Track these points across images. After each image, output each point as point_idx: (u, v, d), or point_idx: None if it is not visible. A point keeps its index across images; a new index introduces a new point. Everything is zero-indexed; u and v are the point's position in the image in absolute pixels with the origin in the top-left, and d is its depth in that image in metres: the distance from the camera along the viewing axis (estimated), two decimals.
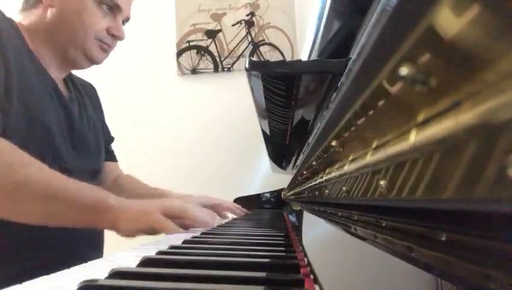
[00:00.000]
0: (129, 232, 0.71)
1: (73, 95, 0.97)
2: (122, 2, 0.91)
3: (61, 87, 0.92)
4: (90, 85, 1.11)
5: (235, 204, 1.26)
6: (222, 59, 1.83)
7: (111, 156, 1.14)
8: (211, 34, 1.84)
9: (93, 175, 0.96)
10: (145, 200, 0.78)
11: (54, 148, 0.82)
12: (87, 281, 0.30)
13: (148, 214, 0.71)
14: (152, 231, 0.72)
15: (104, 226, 0.73)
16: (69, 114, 0.90)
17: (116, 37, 0.92)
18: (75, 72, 1.02)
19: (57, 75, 0.91)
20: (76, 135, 0.91)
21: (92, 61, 0.92)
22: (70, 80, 0.99)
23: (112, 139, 1.15)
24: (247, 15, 1.83)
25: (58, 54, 0.90)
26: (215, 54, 1.83)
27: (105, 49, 0.93)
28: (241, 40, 1.83)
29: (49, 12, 0.87)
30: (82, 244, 0.90)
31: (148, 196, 1.07)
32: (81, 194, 0.71)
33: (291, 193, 0.91)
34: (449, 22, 0.10)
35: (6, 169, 0.66)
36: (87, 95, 1.05)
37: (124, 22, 0.96)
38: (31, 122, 0.78)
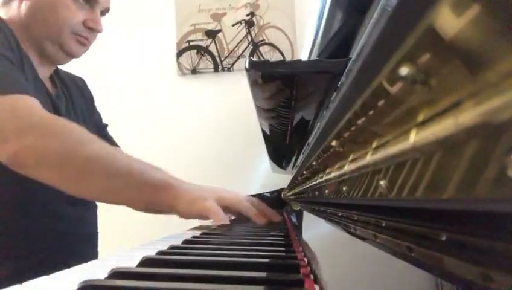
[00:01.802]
0: (185, 215, 0.73)
1: (59, 92, 0.95)
2: None
3: (47, 84, 0.91)
4: (80, 78, 1.09)
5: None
6: (222, 59, 1.83)
7: (109, 142, 1.10)
8: (211, 34, 1.84)
9: None
10: (203, 186, 0.80)
11: None
12: (87, 281, 0.30)
13: (205, 200, 0.73)
14: (203, 217, 0.74)
15: (163, 205, 0.74)
16: (57, 111, 0.88)
17: (94, 29, 0.89)
18: (65, 67, 1.01)
19: (42, 73, 0.90)
20: None
21: (70, 55, 0.90)
22: (56, 76, 0.97)
23: (105, 125, 1.13)
24: (247, 15, 1.83)
25: (36, 49, 0.88)
26: (215, 54, 1.83)
27: (83, 43, 0.89)
28: (241, 40, 1.83)
29: (23, 6, 0.85)
30: (78, 243, 0.90)
31: None
32: (144, 172, 0.73)
33: (291, 193, 0.91)
34: (449, 22, 0.10)
35: (77, 144, 0.69)
36: (76, 88, 1.03)
37: (103, 13, 0.92)
38: None
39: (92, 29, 0.89)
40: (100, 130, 1.09)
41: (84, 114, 1.01)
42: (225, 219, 0.74)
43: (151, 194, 0.72)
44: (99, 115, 1.12)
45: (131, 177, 0.72)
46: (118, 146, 1.13)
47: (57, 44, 0.87)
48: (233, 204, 0.78)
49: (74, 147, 0.69)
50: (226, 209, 0.77)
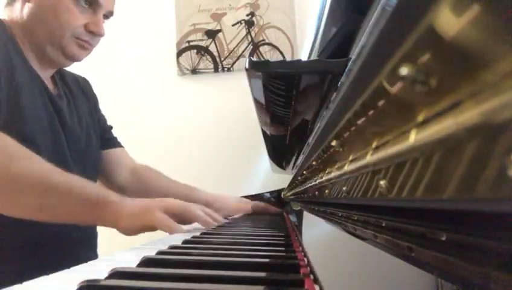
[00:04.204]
0: (130, 231, 0.70)
1: (61, 92, 0.94)
2: None
3: (49, 84, 0.90)
4: (84, 79, 1.08)
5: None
6: (222, 59, 1.83)
7: (114, 143, 1.10)
8: (211, 34, 1.84)
9: (83, 170, 0.93)
10: (146, 199, 0.77)
11: (40, 147, 0.80)
12: (87, 281, 0.30)
13: (150, 211, 0.70)
14: (151, 229, 0.71)
15: (104, 222, 0.71)
16: (58, 110, 0.88)
17: (95, 33, 0.88)
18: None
19: (43, 73, 0.89)
20: (68, 131, 0.89)
21: (71, 59, 0.89)
22: (59, 77, 0.97)
23: (110, 127, 1.13)
24: (247, 15, 1.83)
25: (37, 51, 0.87)
26: (215, 54, 1.83)
27: (85, 47, 0.88)
28: (241, 40, 1.83)
29: (26, 8, 0.84)
30: (77, 245, 0.90)
31: (176, 194, 1.02)
32: (82, 188, 0.70)
33: (291, 193, 0.91)
34: (449, 22, 0.10)
35: (8, 160, 0.66)
36: (78, 88, 1.02)
37: (107, 17, 0.92)
38: (20, 120, 0.77)
39: (93, 33, 0.88)
40: (105, 132, 1.09)
41: (86, 115, 1.01)
42: (177, 228, 0.70)
43: (91, 210, 0.70)
44: (103, 117, 1.12)
45: (69, 193, 0.69)
46: (122, 147, 1.13)
47: (58, 47, 0.86)
48: (180, 213, 0.73)
49: (4, 162, 0.65)
50: (175, 217, 0.72)
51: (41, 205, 0.69)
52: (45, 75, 0.91)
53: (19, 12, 0.85)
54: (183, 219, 0.75)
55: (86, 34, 0.87)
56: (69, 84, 1.00)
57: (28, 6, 0.84)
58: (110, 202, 0.70)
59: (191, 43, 1.84)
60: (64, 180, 0.69)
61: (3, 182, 0.66)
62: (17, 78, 0.79)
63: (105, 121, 1.12)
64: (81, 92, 1.03)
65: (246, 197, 1.41)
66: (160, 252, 0.45)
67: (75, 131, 0.93)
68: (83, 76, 1.09)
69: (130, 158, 1.14)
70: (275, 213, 1.22)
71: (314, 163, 0.43)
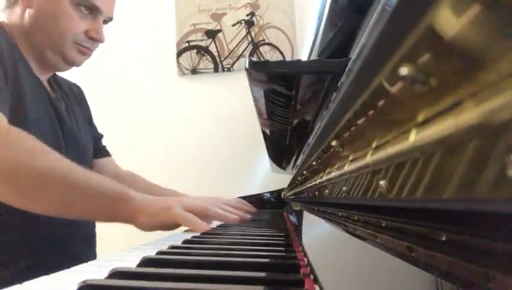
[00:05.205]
0: (148, 227, 0.71)
1: (59, 95, 0.95)
2: (101, 3, 0.88)
3: (47, 87, 0.91)
4: (76, 85, 1.10)
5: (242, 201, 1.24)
6: (222, 59, 1.83)
7: (104, 152, 1.12)
8: (211, 34, 1.84)
9: None
10: (165, 197, 0.78)
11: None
12: (87, 281, 0.30)
13: (170, 208, 0.70)
14: (170, 226, 0.71)
15: (124, 218, 0.71)
16: (58, 113, 0.89)
17: (96, 40, 0.89)
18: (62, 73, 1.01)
19: (41, 76, 0.90)
20: (67, 134, 0.90)
21: (71, 64, 0.90)
22: (54, 81, 0.98)
23: (101, 136, 1.14)
24: (247, 15, 1.83)
25: (37, 55, 0.88)
26: (215, 54, 1.83)
27: (85, 53, 0.89)
28: (241, 40, 1.83)
29: (27, 13, 0.85)
30: (77, 245, 0.90)
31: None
32: (102, 184, 0.71)
33: (291, 193, 0.91)
34: (449, 22, 0.10)
35: (29, 156, 0.66)
36: (73, 95, 1.04)
37: (106, 22, 0.92)
38: (23, 122, 0.78)
39: (94, 40, 0.89)
40: (97, 140, 1.10)
41: (80, 121, 1.01)
42: (204, 225, 0.71)
43: (110, 206, 0.70)
44: (95, 126, 1.13)
45: (89, 189, 0.69)
46: (110, 156, 1.14)
47: (59, 53, 0.87)
48: (200, 211, 0.74)
49: (27, 159, 0.66)
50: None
51: (62, 201, 0.69)
52: (43, 78, 0.91)
53: (19, 17, 0.86)
54: (202, 217, 0.75)
55: (86, 40, 0.88)
56: (64, 89, 1.01)
57: (28, 11, 0.85)
58: (129, 198, 0.71)
59: (191, 43, 1.84)
60: (84, 176, 0.70)
61: (26, 177, 0.66)
62: (21, 81, 0.80)
63: (97, 130, 1.14)
64: (75, 98, 1.04)
65: (246, 197, 1.41)
66: (160, 252, 0.45)
67: (74, 135, 0.94)
68: (75, 83, 1.10)
69: (116, 165, 1.15)
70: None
71: (314, 163, 0.43)
